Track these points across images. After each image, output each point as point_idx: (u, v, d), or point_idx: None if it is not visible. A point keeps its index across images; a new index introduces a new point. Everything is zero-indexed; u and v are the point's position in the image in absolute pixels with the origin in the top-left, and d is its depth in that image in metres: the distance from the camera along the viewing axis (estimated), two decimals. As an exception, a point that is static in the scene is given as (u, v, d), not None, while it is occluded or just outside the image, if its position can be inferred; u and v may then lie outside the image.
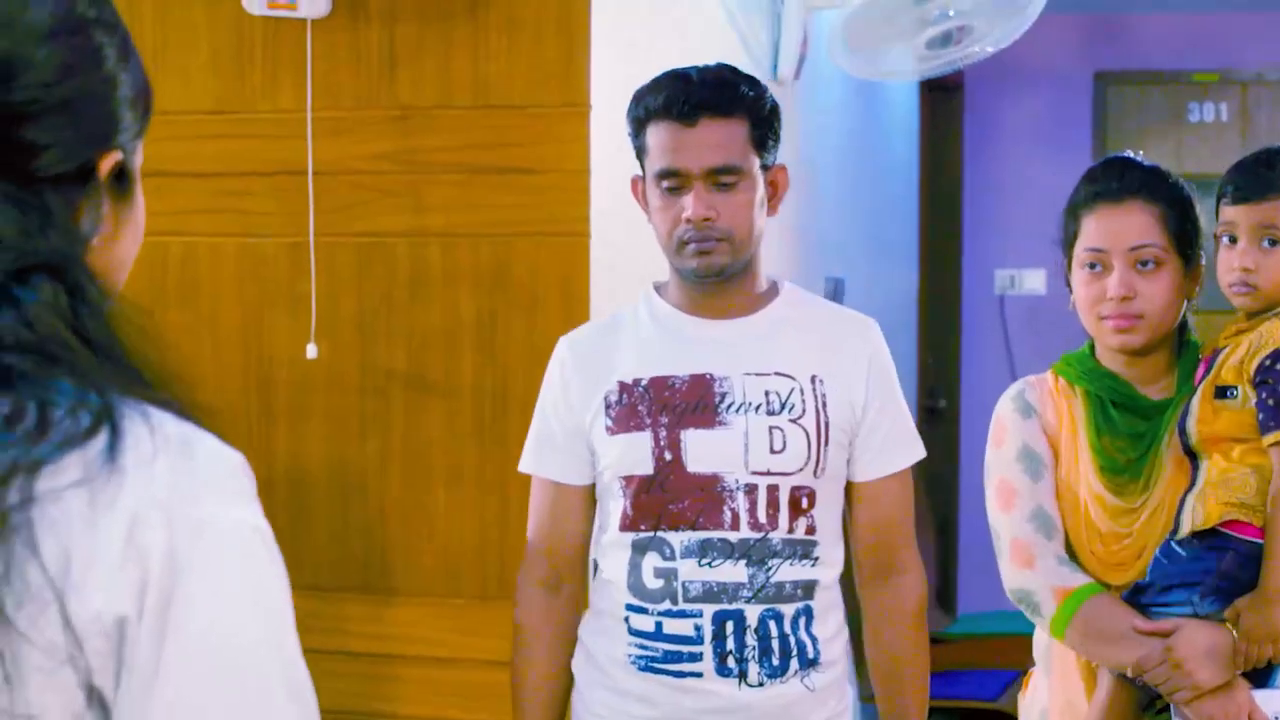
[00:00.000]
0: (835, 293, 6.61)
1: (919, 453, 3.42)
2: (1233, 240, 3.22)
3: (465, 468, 4.19)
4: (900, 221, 8.52)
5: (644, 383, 3.29)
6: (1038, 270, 9.24)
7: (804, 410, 3.25)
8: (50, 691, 1.37)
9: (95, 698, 1.40)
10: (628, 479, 3.28)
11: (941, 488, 8.84)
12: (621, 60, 4.24)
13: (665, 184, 3.25)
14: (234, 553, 1.45)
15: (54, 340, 1.43)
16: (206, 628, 1.41)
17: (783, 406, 3.25)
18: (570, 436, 3.38)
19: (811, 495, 3.26)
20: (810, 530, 3.26)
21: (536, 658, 3.44)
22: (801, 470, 3.24)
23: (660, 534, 3.25)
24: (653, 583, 3.26)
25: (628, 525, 3.28)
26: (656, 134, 3.24)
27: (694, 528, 3.22)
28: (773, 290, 3.40)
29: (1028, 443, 3.36)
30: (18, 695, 1.35)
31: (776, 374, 3.28)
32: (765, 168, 3.29)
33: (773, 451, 3.23)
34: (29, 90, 1.47)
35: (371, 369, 4.27)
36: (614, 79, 4.16)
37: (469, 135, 4.18)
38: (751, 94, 3.26)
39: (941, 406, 9.10)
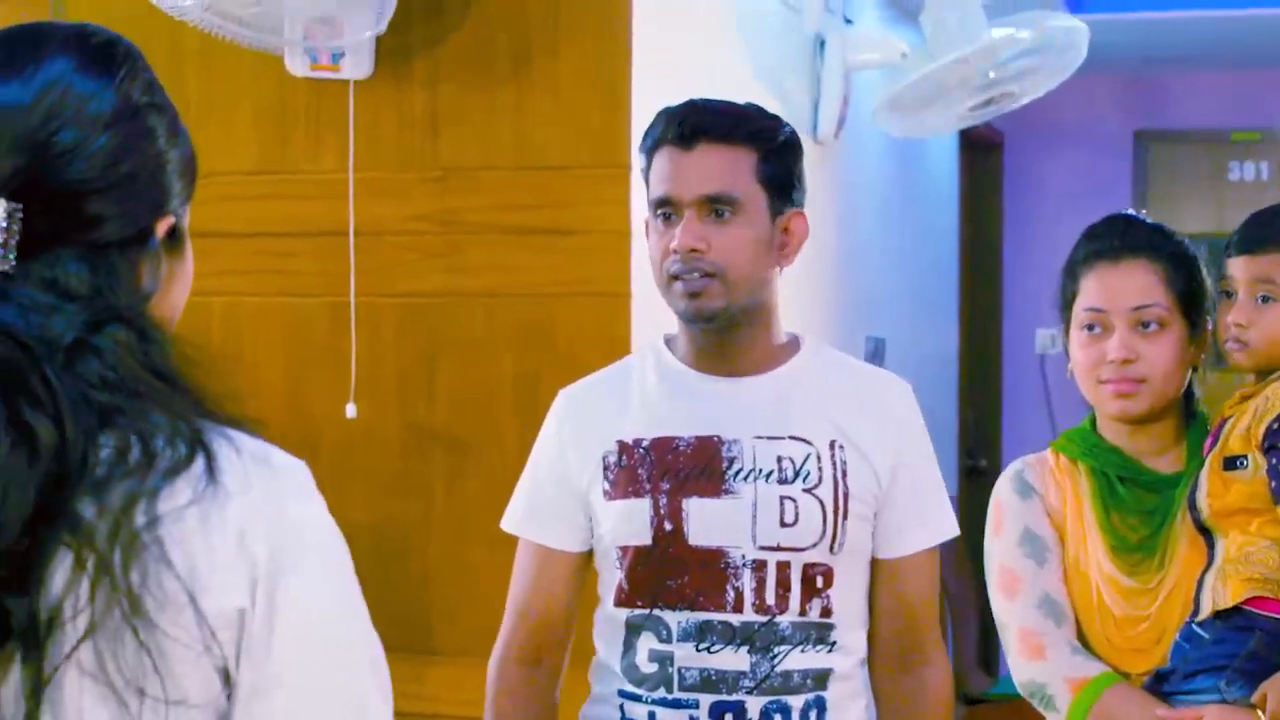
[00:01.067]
0: (876, 353, 6.60)
1: (950, 529, 3.09)
2: (1231, 295, 3.06)
3: (506, 528, 4.19)
4: (940, 281, 8.51)
5: (646, 444, 2.96)
6: (1078, 329, 9.20)
7: (820, 479, 2.92)
8: (193, 678, 1.64)
9: (227, 680, 1.66)
10: (624, 549, 2.96)
11: (983, 546, 8.80)
12: (662, 121, 4.24)
13: (659, 212, 2.95)
14: (317, 544, 1.76)
15: (137, 379, 1.68)
16: (306, 610, 1.70)
17: (796, 474, 2.92)
18: (564, 499, 3.05)
19: (828, 574, 2.92)
20: (826, 612, 2.93)
21: None
22: (816, 546, 2.90)
23: (656, 612, 2.92)
24: (647, 667, 2.93)
25: (622, 601, 2.97)
26: (657, 161, 2.96)
27: (693, 607, 2.89)
28: (793, 345, 3.06)
29: (1029, 526, 3.14)
30: (168, 683, 1.62)
31: (791, 438, 2.94)
32: (777, 210, 2.96)
33: (783, 524, 2.89)
34: (93, 170, 1.72)
35: (412, 429, 4.28)
36: (655, 140, 4.17)
37: (511, 196, 4.19)
38: (763, 124, 2.97)
39: (982, 466, 9.06)
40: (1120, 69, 9.11)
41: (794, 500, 2.90)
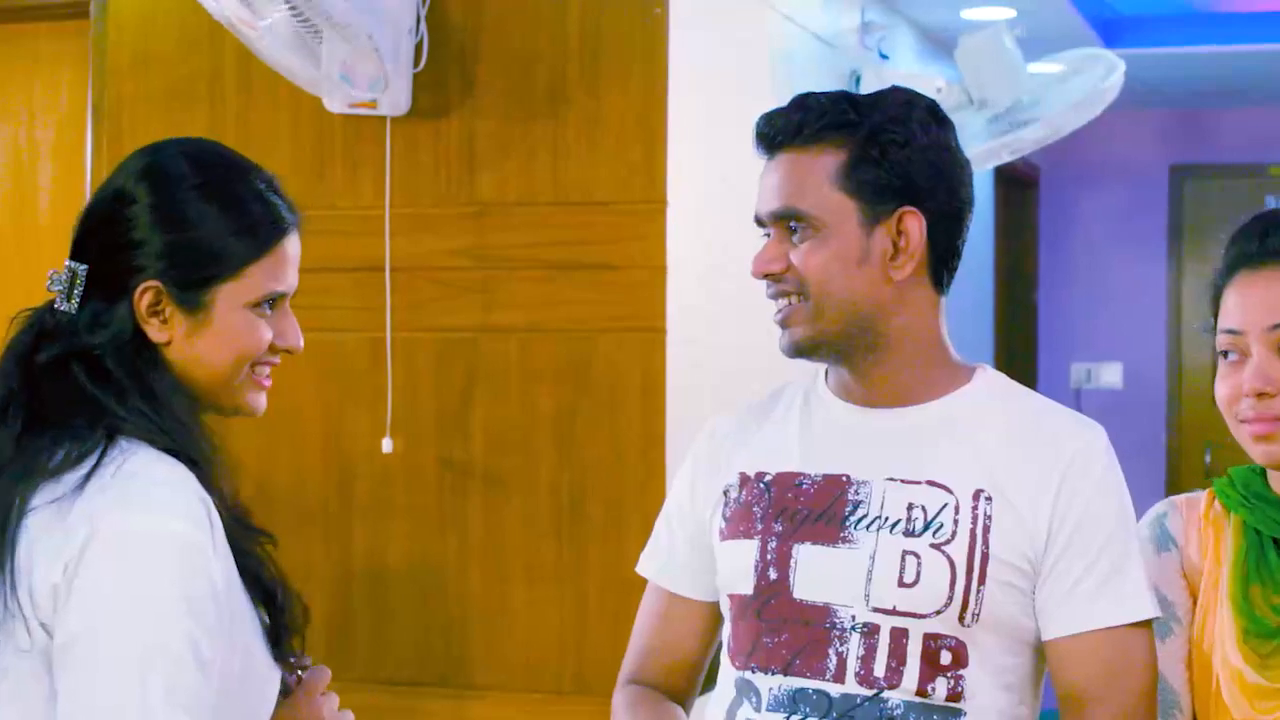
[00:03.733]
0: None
1: (1138, 609, 2.43)
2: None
3: (544, 563, 4.19)
4: (976, 316, 8.50)
5: (768, 478, 2.54)
6: (1114, 364, 9.20)
7: (954, 534, 2.41)
8: (25, 631, 2.07)
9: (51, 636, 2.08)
10: (732, 598, 2.54)
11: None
12: (699, 157, 4.25)
13: (761, 232, 2.56)
14: (125, 547, 2.06)
15: (85, 399, 2.17)
16: (90, 596, 2.05)
17: (926, 527, 2.42)
18: (691, 537, 2.65)
19: (958, 650, 2.40)
20: (955, 696, 2.40)
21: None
22: (940, 613, 2.39)
23: (749, 675, 2.48)
24: None
25: (730, 657, 2.54)
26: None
27: (786, 671, 2.44)
28: (963, 375, 2.56)
29: (1158, 585, 2.51)
30: (17, 630, 2.07)
31: (929, 483, 2.45)
32: (876, 215, 2.47)
33: (902, 584, 2.41)
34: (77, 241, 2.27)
35: (450, 465, 4.28)
36: (692, 176, 4.18)
37: (548, 232, 4.20)
38: (854, 116, 2.48)
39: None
40: (1156, 103, 9.11)
41: (918, 556, 2.42)
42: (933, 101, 2.55)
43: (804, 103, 2.51)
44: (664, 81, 4.12)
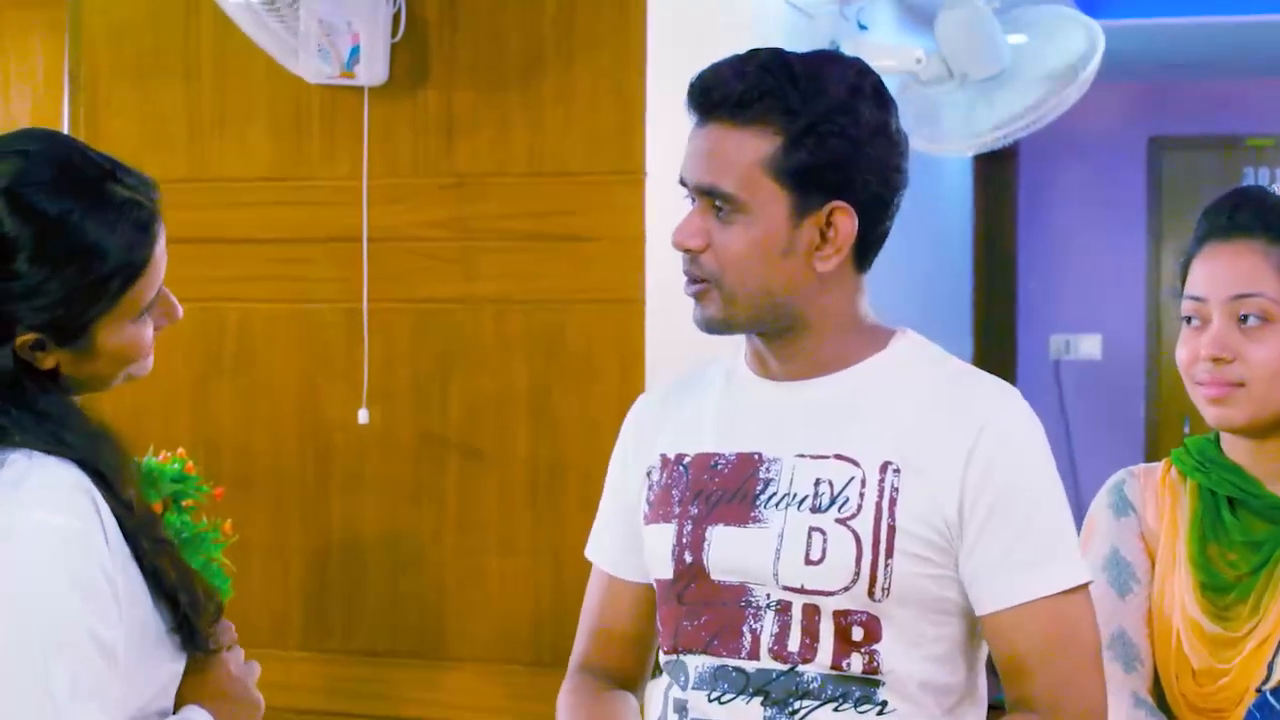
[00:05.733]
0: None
1: (1072, 575, 2.35)
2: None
3: (519, 535, 4.19)
4: (954, 287, 8.51)
5: (687, 460, 2.48)
6: (1093, 335, 9.21)
7: (859, 509, 2.34)
8: None
9: None
10: (657, 583, 2.51)
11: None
12: (677, 128, 4.24)
13: (683, 194, 2.43)
14: (13, 551, 2.03)
15: None
16: None
17: (832, 502, 2.35)
18: (624, 520, 2.59)
19: (870, 624, 2.34)
20: (872, 669, 2.34)
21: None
22: (848, 590, 2.33)
23: (680, 657, 2.45)
24: (670, 717, 2.47)
25: (661, 641, 2.52)
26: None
27: (707, 651, 2.41)
28: (877, 341, 2.47)
29: (1118, 548, 2.62)
30: None
31: (837, 457, 2.37)
32: (806, 208, 2.34)
33: (809, 562, 2.34)
34: None
35: (426, 436, 4.28)
36: (669, 147, 4.16)
37: (524, 203, 4.19)
38: (794, 103, 2.32)
39: (996, 473, 9.05)
40: (1134, 76, 9.10)
41: (824, 533, 2.34)
42: (878, 80, 2.41)
43: (742, 70, 2.35)
44: (642, 51, 4.11)
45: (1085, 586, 2.37)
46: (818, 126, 2.32)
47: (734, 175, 2.33)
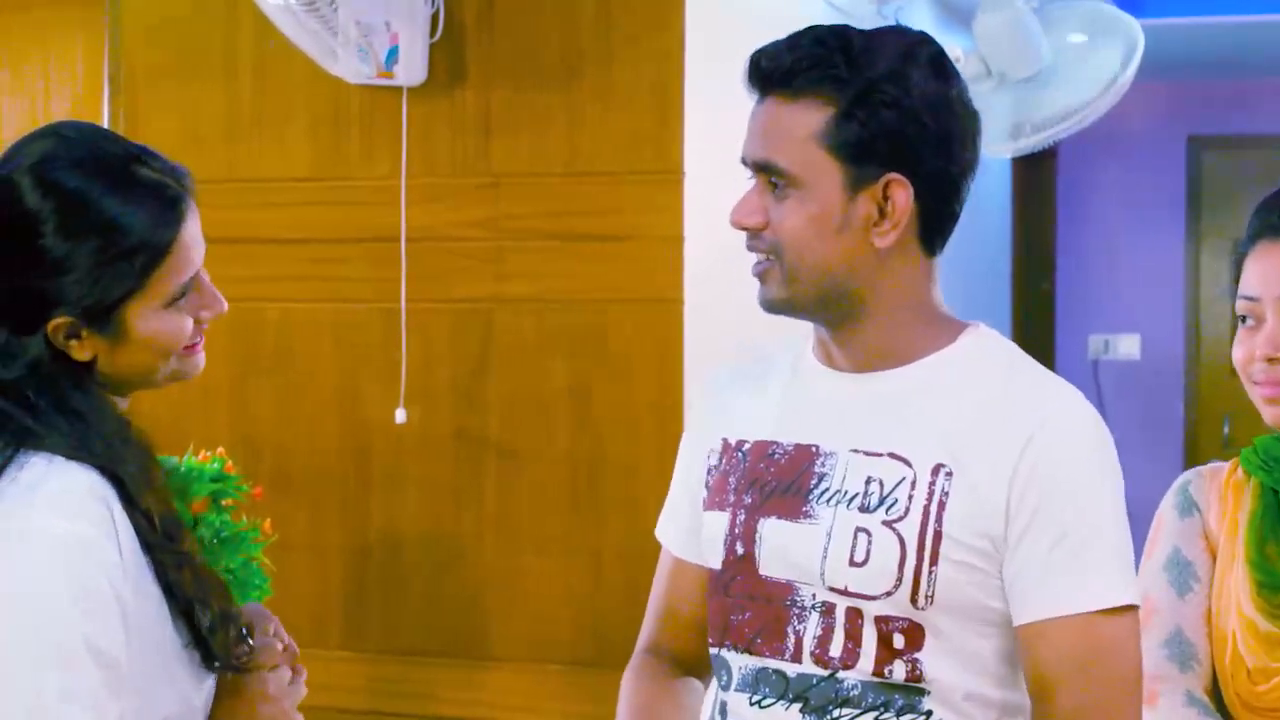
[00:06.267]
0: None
1: (1114, 595, 2.22)
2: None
3: (558, 534, 4.19)
4: (993, 288, 8.49)
5: (746, 446, 2.42)
6: (1132, 335, 9.18)
7: (906, 511, 2.25)
8: None
9: None
10: (709, 572, 2.45)
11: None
12: (715, 127, 4.24)
13: (746, 174, 2.37)
14: (14, 554, 2.03)
15: (2, 415, 2.14)
16: None
17: (880, 502, 2.27)
18: (691, 499, 2.52)
19: (912, 632, 2.26)
20: (915, 677, 2.26)
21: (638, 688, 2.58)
22: (890, 595, 2.25)
23: (723, 652, 2.40)
24: (716, 718, 2.42)
25: (709, 632, 2.46)
26: None
27: (750, 650, 2.35)
28: (947, 335, 2.38)
29: (1180, 547, 2.59)
30: None
31: (890, 455, 2.29)
32: (861, 180, 2.27)
33: (853, 563, 2.27)
34: None
35: (464, 436, 4.28)
36: (707, 146, 4.17)
37: (563, 202, 4.19)
38: (846, 70, 2.25)
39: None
40: (1173, 74, 9.08)
41: (868, 534, 2.27)
42: (938, 49, 2.33)
43: (797, 43, 2.30)
44: (680, 50, 4.11)
45: (1131, 610, 2.24)
46: (868, 96, 2.24)
47: (788, 150, 2.27)
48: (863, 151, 2.25)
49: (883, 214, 2.28)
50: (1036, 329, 9.14)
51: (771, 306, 2.35)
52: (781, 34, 2.35)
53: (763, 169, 2.30)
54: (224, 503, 3.71)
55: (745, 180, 2.35)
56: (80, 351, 2.18)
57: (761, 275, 2.34)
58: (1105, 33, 5.28)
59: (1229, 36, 8.21)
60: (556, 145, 4.21)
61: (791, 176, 2.27)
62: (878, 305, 2.33)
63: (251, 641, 2.30)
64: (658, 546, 2.64)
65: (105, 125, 4.59)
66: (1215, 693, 2.54)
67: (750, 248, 2.34)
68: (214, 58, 4.50)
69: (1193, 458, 8.27)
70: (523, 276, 4.23)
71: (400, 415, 4.26)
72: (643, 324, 4.12)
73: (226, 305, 2.30)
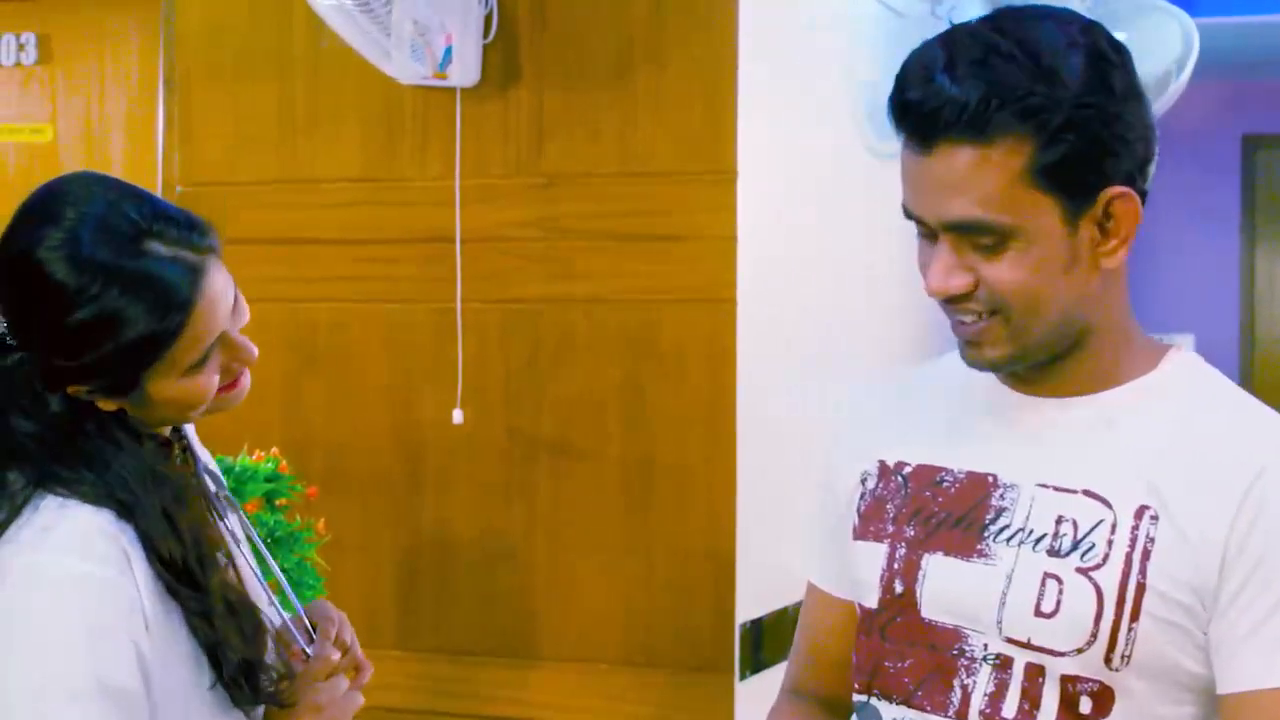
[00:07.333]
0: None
1: None
2: None
3: (610, 534, 4.19)
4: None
5: (907, 470, 2.19)
6: (1186, 335, 9.14)
7: (1105, 558, 1.99)
8: None
9: None
10: (859, 609, 2.22)
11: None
12: (768, 126, 4.24)
13: (915, 224, 2.09)
14: (27, 592, 2.06)
15: (22, 453, 2.16)
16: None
17: (1074, 547, 2.01)
18: (832, 527, 2.31)
19: (1102, 695, 2.00)
20: None
21: None
22: (1081, 653, 1.99)
23: (873, 701, 2.16)
24: None
25: (853, 674, 2.23)
26: (902, 152, 2.08)
27: (908, 703, 2.11)
28: (1146, 360, 2.13)
29: None
30: None
31: (1085, 493, 2.04)
32: (1080, 206, 2.00)
33: (1039, 613, 2.01)
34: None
35: (518, 436, 4.28)
36: (761, 146, 4.16)
37: (616, 202, 4.19)
38: (1037, 97, 1.94)
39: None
40: (1226, 74, 9.04)
41: (1059, 581, 2.02)
42: (1102, 30, 2.07)
43: (957, 75, 1.97)
44: (733, 49, 4.10)
45: None
46: (1075, 117, 1.97)
47: (995, 200, 1.98)
48: (1079, 176, 2.00)
49: (1104, 232, 2.04)
50: (1089, 329, 9.11)
51: (994, 366, 2.11)
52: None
53: (964, 230, 2.01)
54: (278, 503, 3.73)
55: (915, 235, 2.11)
56: (106, 405, 2.21)
57: (976, 336, 2.08)
58: (1161, 32, 5.26)
59: (1283, 35, 8.18)
60: (609, 146, 4.21)
61: (1005, 229, 1.99)
62: (1101, 328, 2.10)
63: (291, 674, 2.30)
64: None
65: (160, 125, 4.61)
66: None
67: (960, 310, 2.08)
68: (267, 58, 4.51)
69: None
70: (575, 277, 4.23)
71: (458, 416, 4.26)
72: (695, 324, 4.11)
73: (257, 352, 2.28)
